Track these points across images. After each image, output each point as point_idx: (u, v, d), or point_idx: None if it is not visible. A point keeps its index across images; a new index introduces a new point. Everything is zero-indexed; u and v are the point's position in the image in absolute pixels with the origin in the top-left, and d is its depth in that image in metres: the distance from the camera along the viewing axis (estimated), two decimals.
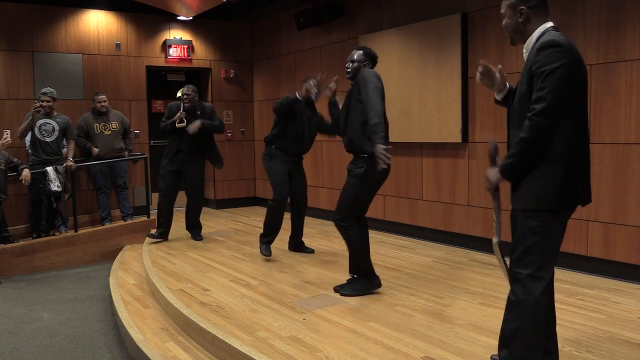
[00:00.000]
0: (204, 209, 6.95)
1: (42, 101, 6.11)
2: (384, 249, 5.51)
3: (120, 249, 6.20)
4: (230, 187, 8.89)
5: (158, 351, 3.36)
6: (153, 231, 6.17)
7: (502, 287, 4.01)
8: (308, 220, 5.90)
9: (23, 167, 5.76)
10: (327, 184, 7.46)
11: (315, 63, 7.48)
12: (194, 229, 6.31)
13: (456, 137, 5.52)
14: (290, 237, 5.51)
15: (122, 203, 7.05)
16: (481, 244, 5.29)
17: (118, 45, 7.85)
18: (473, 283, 4.30)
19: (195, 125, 5.79)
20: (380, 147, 3.57)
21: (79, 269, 5.91)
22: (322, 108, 5.11)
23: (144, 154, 7.30)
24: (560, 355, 2.70)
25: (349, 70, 4.05)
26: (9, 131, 6.53)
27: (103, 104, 6.96)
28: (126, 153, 7.13)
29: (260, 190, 8.99)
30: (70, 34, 7.52)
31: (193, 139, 5.89)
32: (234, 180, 8.90)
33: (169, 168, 5.99)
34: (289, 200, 5.21)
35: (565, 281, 4.30)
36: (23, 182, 5.72)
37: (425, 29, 5.77)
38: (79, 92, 7.56)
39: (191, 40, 8.41)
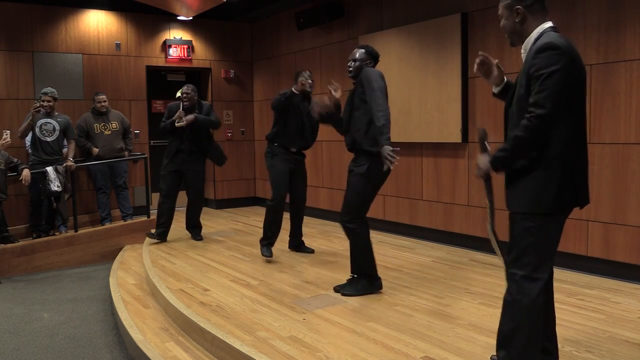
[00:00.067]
0: (204, 209, 6.94)
1: (43, 101, 6.11)
2: (384, 249, 5.50)
3: (120, 249, 6.20)
4: (230, 187, 8.89)
5: (158, 351, 3.36)
6: (153, 231, 6.17)
7: (502, 287, 3.96)
8: (308, 220, 5.90)
9: (23, 167, 5.76)
10: (327, 184, 7.45)
11: (315, 63, 7.48)
12: (194, 229, 6.31)
13: (456, 137, 5.52)
14: (289, 237, 5.51)
15: (122, 203, 7.05)
16: (481, 244, 5.28)
17: (118, 45, 7.85)
18: (473, 283, 4.30)
19: (189, 118, 5.78)
20: (387, 149, 3.57)
21: (79, 269, 5.91)
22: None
23: (144, 154, 7.30)
24: (560, 355, 2.70)
25: (351, 69, 4.03)
26: (8, 131, 6.53)
27: (103, 104, 6.96)
28: (126, 153, 7.13)
29: (260, 190, 8.99)
30: (70, 34, 7.52)
31: (193, 139, 5.88)
32: (234, 180, 8.90)
33: (169, 168, 5.99)
34: (288, 200, 5.20)
35: (565, 281, 4.30)
36: (23, 182, 5.72)
37: (425, 29, 5.77)
38: (79, 92, 7.56)
39: (191, 40, 8.41)
